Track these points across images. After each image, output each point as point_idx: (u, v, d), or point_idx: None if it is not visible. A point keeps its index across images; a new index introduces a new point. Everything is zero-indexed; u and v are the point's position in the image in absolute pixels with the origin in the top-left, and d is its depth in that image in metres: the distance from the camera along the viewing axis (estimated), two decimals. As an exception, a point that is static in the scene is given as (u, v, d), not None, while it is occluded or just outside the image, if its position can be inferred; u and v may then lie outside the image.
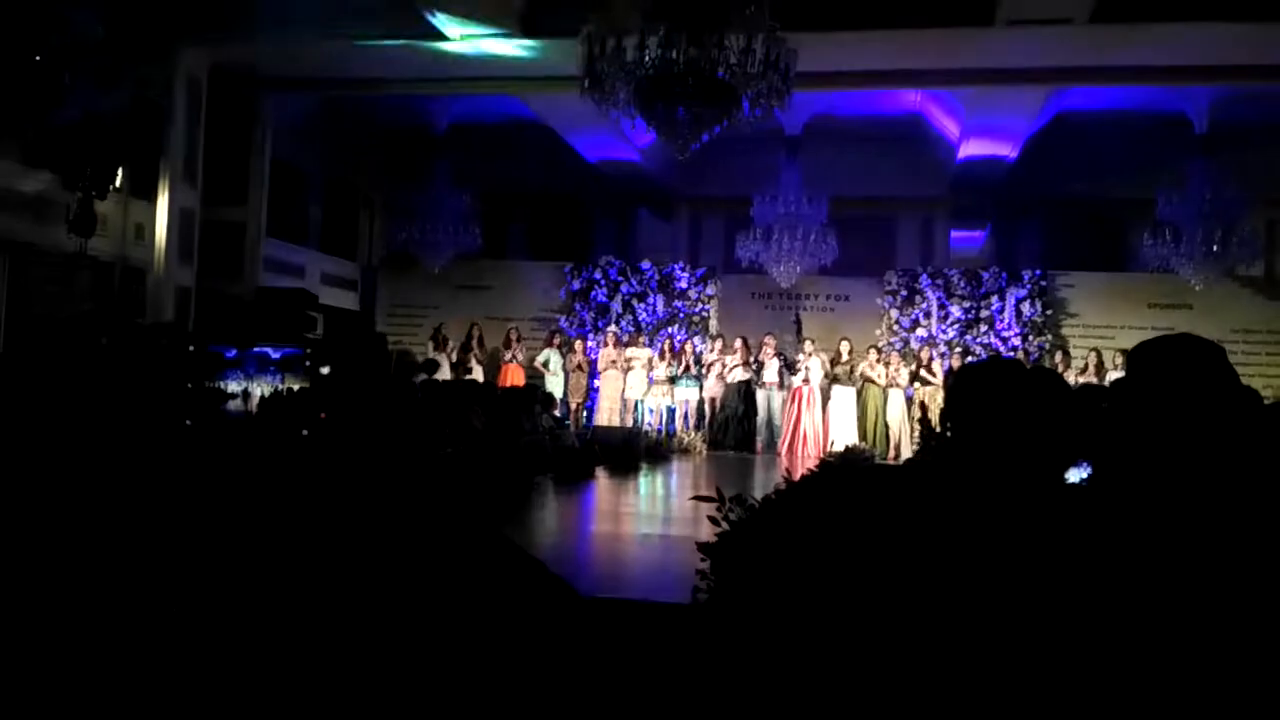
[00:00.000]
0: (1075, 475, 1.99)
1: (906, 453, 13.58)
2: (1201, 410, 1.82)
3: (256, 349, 11.17)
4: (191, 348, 10.37)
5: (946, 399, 2.27)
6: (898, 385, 14.42)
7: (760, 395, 14.68)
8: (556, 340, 15.69)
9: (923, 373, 14.38)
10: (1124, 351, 11.77)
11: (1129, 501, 1.84)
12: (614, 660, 3.40)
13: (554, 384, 14.90)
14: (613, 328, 15.96)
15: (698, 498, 3.76)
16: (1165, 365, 1.86)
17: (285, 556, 2.29)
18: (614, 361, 14.91)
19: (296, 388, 9.39)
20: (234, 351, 11.08)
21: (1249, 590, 1.70)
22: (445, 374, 14.68)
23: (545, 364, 15.36)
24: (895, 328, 16.18)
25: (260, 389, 10.20)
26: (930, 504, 2.11)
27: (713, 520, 3.52)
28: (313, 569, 2.19)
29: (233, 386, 10.16)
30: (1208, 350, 1.86)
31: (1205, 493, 1.80)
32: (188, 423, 6.34)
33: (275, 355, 11.21)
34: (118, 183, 11.50)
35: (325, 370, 10.49)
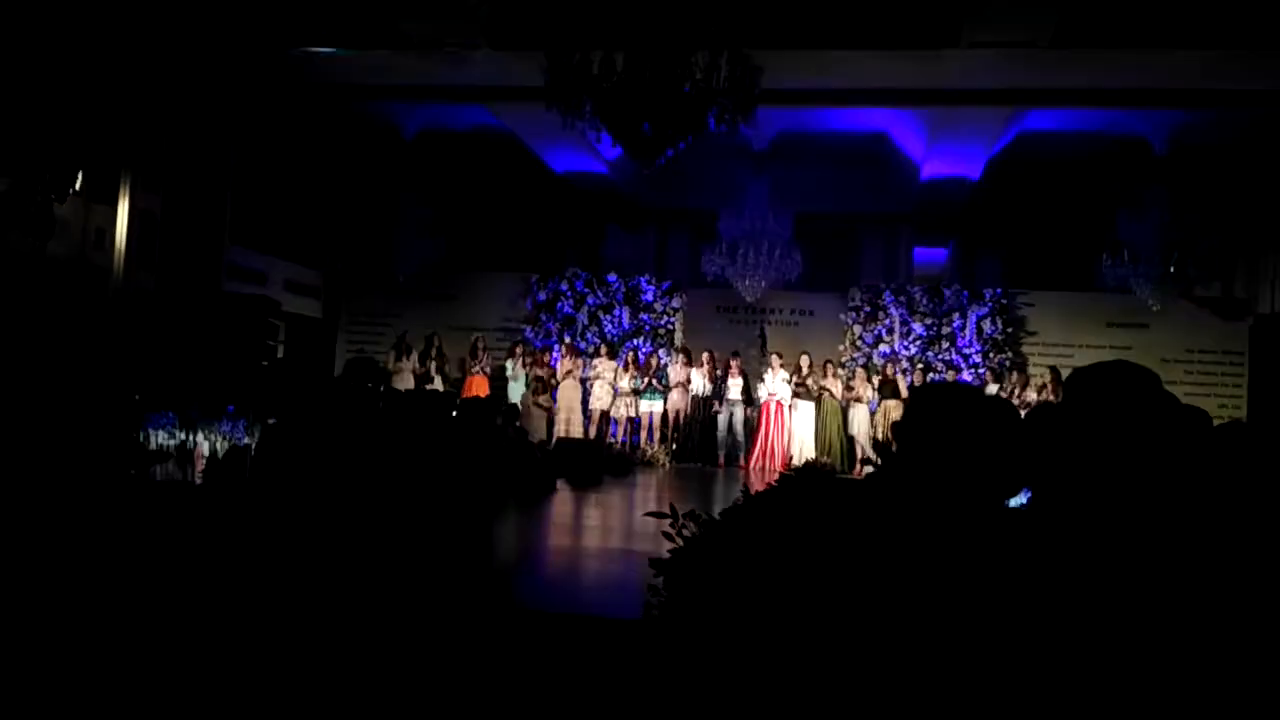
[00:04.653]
0: (1015, 501, 2.03)
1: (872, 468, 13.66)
2: (1136, 435, 1.86)
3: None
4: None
5: (903, 416, 2.30)
6: (861, 400, 14.51)
7: (723, 410, 14.74)
8: (519, 351, 15.64)
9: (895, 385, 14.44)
10: (1082, 370, 11.89)
11: (1065, 525, 1.87)
12: (565, 674, 3.41)
13: (516, 394, 14.87)
14: (567, 338, 15.99)
15: (651, 514, 3.77)
16: (1100, 392, 1.90)
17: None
18: (570, 371, 14.91)
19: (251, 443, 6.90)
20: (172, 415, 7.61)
21: (1185, 605, 1.73)
22: (409, 383, 14.61)
23: (508, 374, 15.33)
24: (858, 343, 16.29)
25: (209, 441, 7.21)
26: (877, 522, 2.13)
27: (667, 535, 3.53)
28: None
29: (161, 438, 7.16)
30: (1142, 377, 1.90)
31: (1139, 515, 1.83)
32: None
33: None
34: (77, 185, 11.37)
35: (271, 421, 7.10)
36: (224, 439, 7.22)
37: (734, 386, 14.69)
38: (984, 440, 2.01)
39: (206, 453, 7.08)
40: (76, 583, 3.11)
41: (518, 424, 11.59)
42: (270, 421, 6.88)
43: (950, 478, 2.01)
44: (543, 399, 14.63)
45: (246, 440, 7.25)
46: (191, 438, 7.21)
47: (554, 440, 13.57)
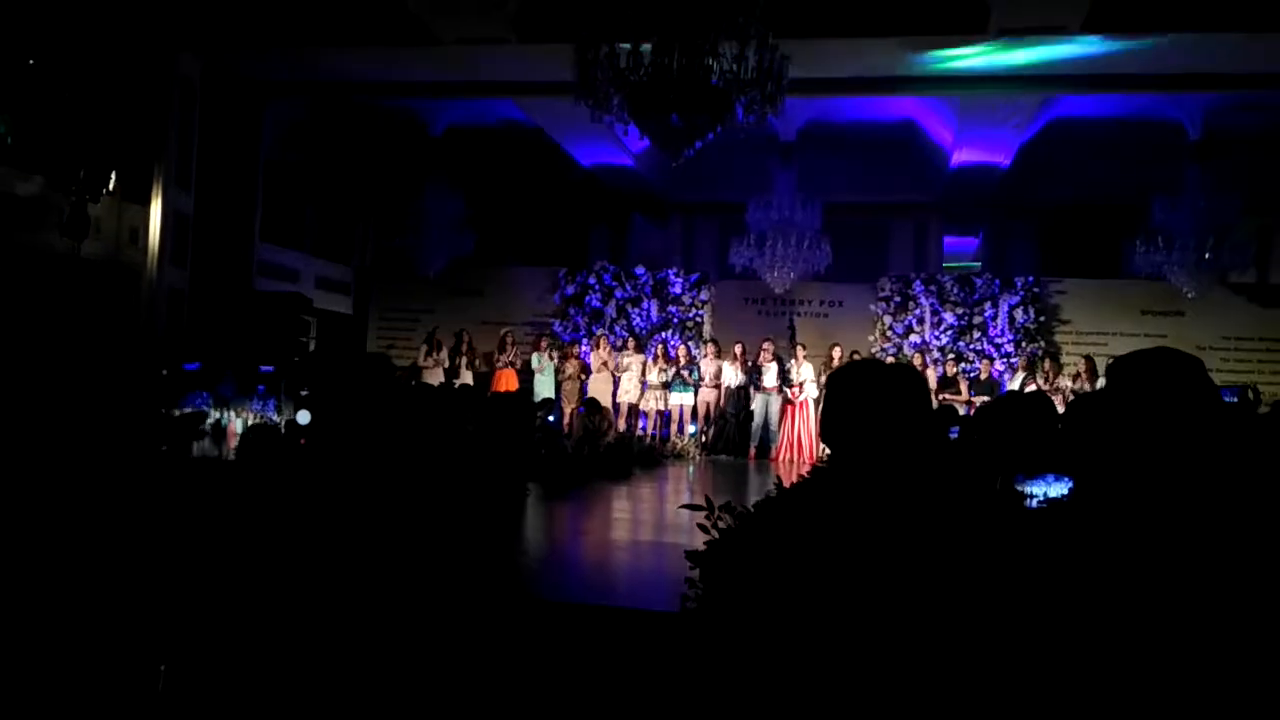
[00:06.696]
0: (1057, 490, 2.01)
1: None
2: (1182, 423, 1.83)
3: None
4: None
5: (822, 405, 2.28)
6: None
7: (758, 400, 14.63)
8: (545, 344, 15.58)
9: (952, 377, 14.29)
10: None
11: (1110, 514, 1.85)
12: (601, 666, 3.41)
13: (543, 387, 14.84)
14: (602, 332, 15.96)
15: (687, 506, 3.76)
16: (1143, 380, 1.88)
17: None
18: (605, 363, 14.89)
19: (285, 421, 6.72)
20: (197, 363, 7.93)
21: (1227, 596, 1.71)
22: (439, 378, 14.66)
23: (534, 367, 15.29)
24: (889, 334, 16.19)
25: (241, 417, 7.21)
26: (903, 508, 2.12)
27: (702, 528, 3.53)
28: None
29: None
30: (1186, 363, 1.88)
31: (1187, 504, 1.81)
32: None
33: (265, 369, 8.15)
34: (111, 186, 11.50)
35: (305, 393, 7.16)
36: (256, 416, 7.27)
37: (769, 374, 14.55)
38: (896, 408, 1.99)
39: (239, 429, 7.04)
40: (100, 559, 3.09)
41: (550, 417, 11.61)
42: (304, 393, 6.83)
43: (879, 456, 2.01)
44: (602, 421, 12.58)
45: (276, 418, 7.31)
46: (225, 415, 7.31)
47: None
